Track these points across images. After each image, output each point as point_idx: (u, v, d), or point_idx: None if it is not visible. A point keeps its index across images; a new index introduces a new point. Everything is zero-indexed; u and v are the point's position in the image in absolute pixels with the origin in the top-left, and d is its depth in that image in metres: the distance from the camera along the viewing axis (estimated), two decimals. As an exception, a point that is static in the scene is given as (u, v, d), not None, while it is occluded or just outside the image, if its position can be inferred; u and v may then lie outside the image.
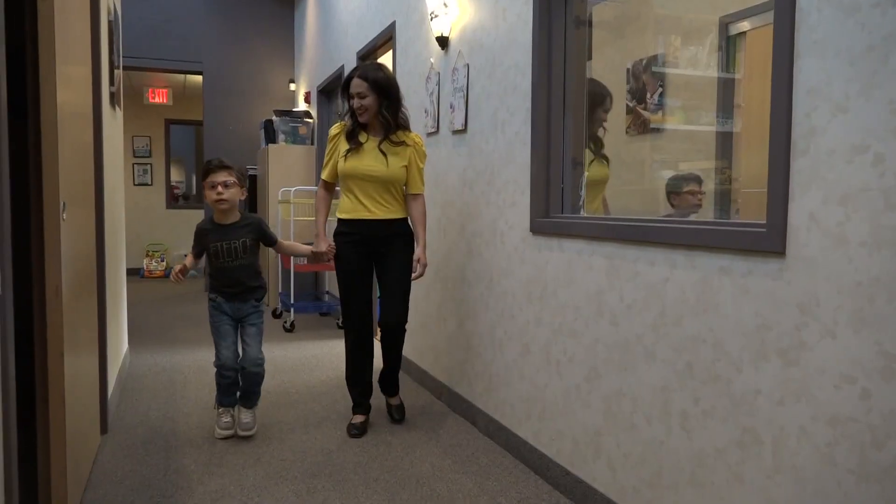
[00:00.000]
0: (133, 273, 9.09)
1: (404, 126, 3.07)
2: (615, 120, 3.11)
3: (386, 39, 4.55)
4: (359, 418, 3.17)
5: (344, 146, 3.06)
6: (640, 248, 2.10)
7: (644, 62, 3.09)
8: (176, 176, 10.42)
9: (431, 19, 3.50)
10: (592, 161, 2.78)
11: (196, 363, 4.47)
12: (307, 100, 7.26)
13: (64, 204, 2.14)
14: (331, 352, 4.85)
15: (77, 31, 2.54)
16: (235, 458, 2.83)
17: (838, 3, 1.44)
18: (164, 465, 2.75)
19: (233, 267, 2.97)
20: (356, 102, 2.99)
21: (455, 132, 3.45)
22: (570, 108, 2.65)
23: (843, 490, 1.45)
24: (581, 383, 2.41)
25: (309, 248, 3.13)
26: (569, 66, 2.65)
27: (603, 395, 2.28)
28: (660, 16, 3.36)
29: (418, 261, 3.09)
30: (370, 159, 3.02)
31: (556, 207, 2.67)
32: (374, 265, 3.14)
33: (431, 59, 3.73)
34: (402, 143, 3.04)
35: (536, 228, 2.69)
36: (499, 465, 2.78)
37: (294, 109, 7.35)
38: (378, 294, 4.10)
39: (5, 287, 1.47)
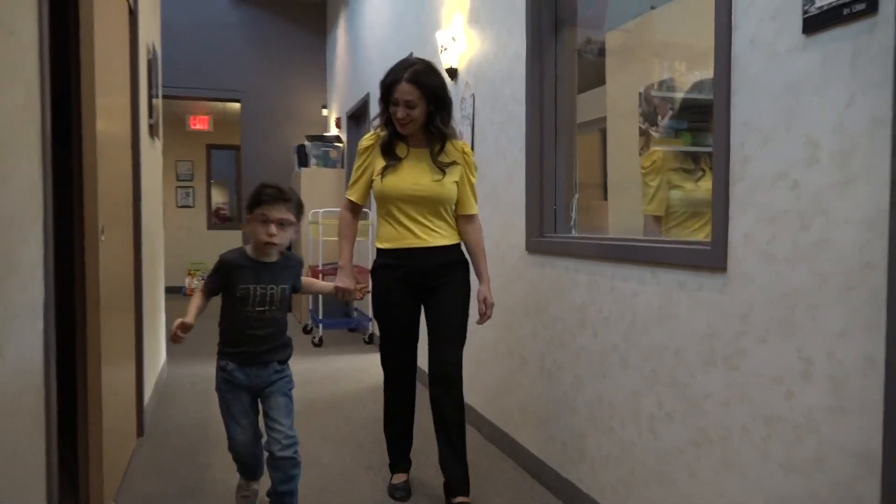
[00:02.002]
0: (175, 291, 9.51)
1: (453, 136, 2.57)
2: (630, 142, 3.28)
3: (405, 69, 4.83)
4: (401, 477, 2.72)
5: (380, 162, 2.52)
6: (616, 265, 2.28)
7: (654, 86, 3.28)
8: (221, 198, 10.89)
9: (441, 52, 3.76)
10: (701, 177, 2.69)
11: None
12: (338, 125, 7.60)
13: (102, 227, 2.43)
14: (357, 365, 5.10)
15: (117, 67, 2.85)
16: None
17: (763, 47, 1.63)
18: (194, 465, 3.01)
19: (262, 319, 2.28)
20: (401, 112, 2.41)
21: (464, 157, 3.68)
22: (561, 136, 2.86)
23: (775, 482, 1.61)
24: (567, 390, 2.59)
25: (330, 285, 2.56)
26: (560, 97, 2.86)
27: (586, 401, 2.46)
28: (669, 42, 3.55)
29: (484, 300, 2.54)
30: (415, 176, 2.49)
31: (549, 227, 2.86)
32: (422, 304, 2.60)
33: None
34: (452, 158, 2.54)
35: (531, 247, 2.89)
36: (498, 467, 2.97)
37: (326, 134, 7.69)
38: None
39: (48, 300, 1.74)
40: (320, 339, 5.85)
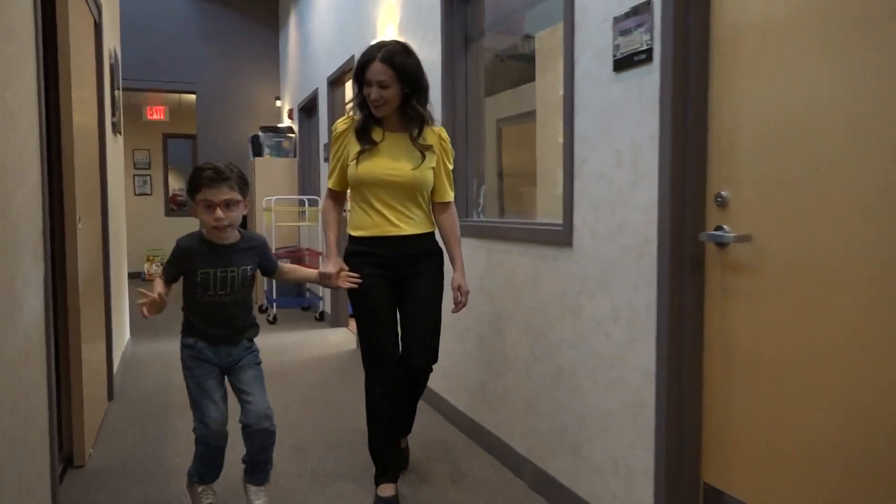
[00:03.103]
0: (135, 276, 9.82)
1: (430, 121, 2.51)
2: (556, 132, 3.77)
3: (348, 69, 5.30)
4: (388, 489, 2.50)
5: (354, 147, 2.45)
6: (504, 243, 2.84)
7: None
8: (177, 184, 11.19)
9: (375, 59, 4.24)
10: None
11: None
12: (290, 116, 8.01)
13: (80, 216, 2.89)
14: (307, 339, 5.61)
15: (85, 71, 3.26)
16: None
17: (592, 78, 2.18)
18: (157, 423, 3.50)
19: (224, 303, 2.22)
20: (374, 92, 2.35)
21: (396, 151, 4.19)
22: (471, 134, 3.39)
23: (599, 398, 2.19)
24: (473, 348, 3.15)
25: (314, 271, 2.49)
26: (469, 101, 3.39)
27: (485, 355, 3.02)
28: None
29: (458, 288, 2.50)
30: (390, 160, 2.42)
31: (461, 213, 3.40)
32: (396, 292, 2.52)
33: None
34: (430, 143, 2.48)
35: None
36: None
37: (279, 125, 8.10)
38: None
39: (46, 276, 2.20)
40: (274, 317, 6.33)
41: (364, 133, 2.45)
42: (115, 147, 4.55)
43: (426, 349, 2.48)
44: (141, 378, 4.37)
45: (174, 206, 11.02)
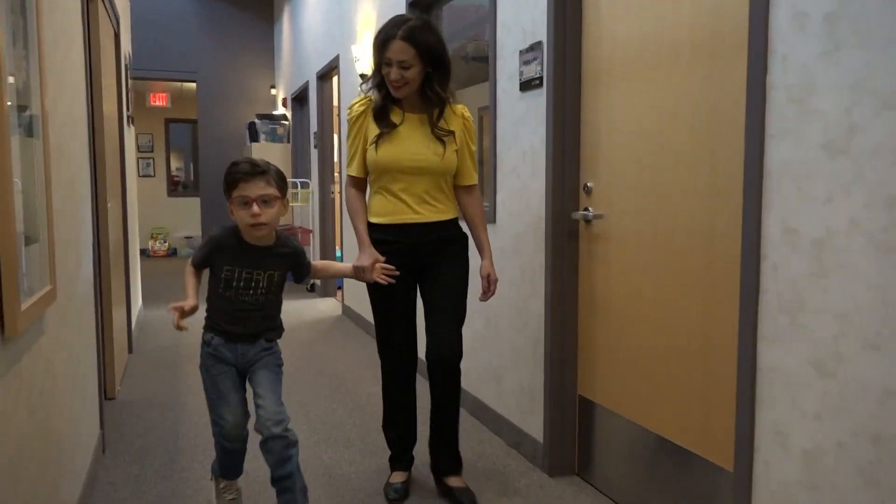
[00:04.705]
0: (140, 253, 10.53)
1: (452, 101, 2.35)
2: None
3: (334, 67, 5.94)
4: (400, 476, 2.49)
5: (373, 129, 2.31)
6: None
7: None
8: (176, 163, 11.85)
9: (355, 62, 4.90)
10: None
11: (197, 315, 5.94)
12: (284, 104, 8.65)
13: (109, 197, 3.56)
14: (297, 307, 6.32)
15: (108, 72, 3.91)
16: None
17: (508, 95, 2.85)
18: (170, 371, 4.20)
19: (248, 305, 2.10)
20: (395, 73, 2.20)
21: (373, 142, 4.86)
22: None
23: (506, 341, 2.88)
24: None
25: (348, 266, 2.32)
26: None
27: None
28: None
29: (487, 276, 2.39)
30: (413, 144, 2.29)
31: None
32: (417, 282, 2.42)
33: (359, 89, 5.12)
34: (451, 125, 2.33)
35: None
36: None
37: (274, 113, 8.74)
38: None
39: (94, 241, 2.88)
40: (270, 289, 7.02)
41: (382, 115, 2.31)
42: (129, 136, 5.21)
43: (454, 339, 2.36)
44: (153, 338, 5.08)
45: (172, 185, 11.71)
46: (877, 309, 1.37)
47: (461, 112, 2.37)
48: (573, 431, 2.62)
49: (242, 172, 1.99)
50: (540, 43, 2.57)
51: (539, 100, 2.60)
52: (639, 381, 2.26)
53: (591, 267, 2.49)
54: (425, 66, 2.22)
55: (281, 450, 2.02)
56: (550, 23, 2.49)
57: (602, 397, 2.47)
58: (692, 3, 1.95)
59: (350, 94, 5.43)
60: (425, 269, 2.37)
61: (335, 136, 6.59)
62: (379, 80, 2.29)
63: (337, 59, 5.76)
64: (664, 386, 2.14)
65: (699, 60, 1.94)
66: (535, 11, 2.60)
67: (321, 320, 5.66)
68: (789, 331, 1.57)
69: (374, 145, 2.29)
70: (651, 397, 2.21)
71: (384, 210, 2.34)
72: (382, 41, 2.21)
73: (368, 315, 4.97)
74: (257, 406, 2.07)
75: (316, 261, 2.40)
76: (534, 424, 2.74)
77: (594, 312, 2.49)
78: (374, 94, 2.34)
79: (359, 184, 2.42)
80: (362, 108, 2.34)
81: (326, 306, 6.38)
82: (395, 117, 2.31)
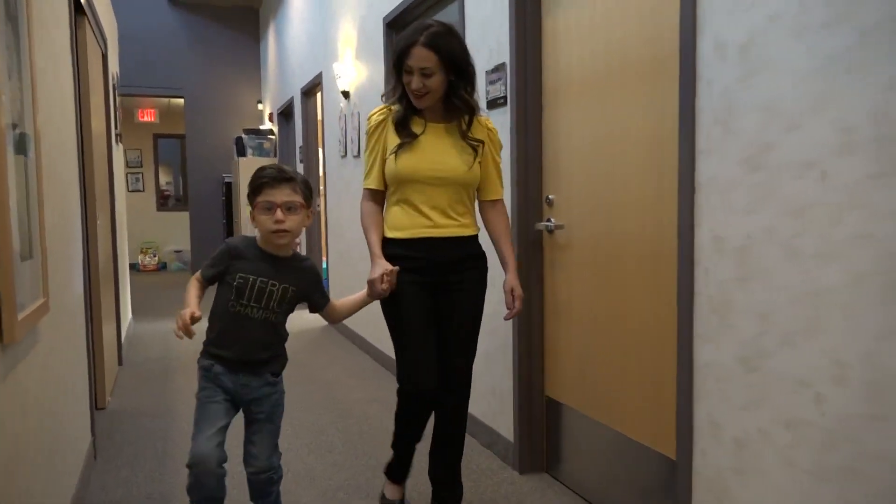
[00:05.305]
0: (130, 267, 10.62)
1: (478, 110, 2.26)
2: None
3: (317, 84, 6.11)
4: (395, 492, 2.43)
5: (393, 139, 2.20)
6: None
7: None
8: (165, 178, 11.97)
9: (337, 79, 5.06)
10: None
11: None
12: (271, 119, 8.80)
13: (98, 213, 3.69)
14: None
15: (96, 92, 4.05)
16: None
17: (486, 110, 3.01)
18: (158, 383, 4.32)
19: (254, 319, 1.99)
20: (416, 82, 2.10)
21: (355, 157, 5.01)
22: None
23: (480, 347, 3.03)
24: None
25: (363, 293, 2.22)
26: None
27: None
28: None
29: (511, 291, 2.30)
30: (435, 154, 2.20)
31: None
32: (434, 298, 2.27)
33: (341, 105, 5.29)
34: (478, 136, 2.24)
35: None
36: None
37: (260, 128, 8.89)
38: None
39: (84, 258, 3.01)
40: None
41: (403, 125, 2.20)
42: (118, 153, 5.35)
43: (467, 362, 2.30)
44: (142, 350, 5.20)
45: (161, 200, 11.82)
46: (789, 308, 1.53)
47: (485, 122, 2.29)
48: (542, 431, 2.77)
49: (268, 178, 1.95)
50: (504, 63, 2.73)
51: (504, 117, 2.76)
52: (597, 381, 2.41)
53: (555, 274, 2.64)
54: (447, 74, 2.12)
55: (263, 485, 2.05)
56: (513, 44, 2.66)
57: (567, 397, 2.62)
58: (637, 30, 2.12)
59: (333, 111, 5.59)
60: (443, 287, 2.25)
61: (320, 151, 6.74)
62: (400, 90, 2.18)
63: (320, 76, 5.93)
64: (619, 384, 2.30)
65: (644, 82, 2.10)
66: (500, 32, 2.77)
67: (308, 331, 5.79)
68: (719, 329, 1.73)
69: (393, 155, 2.19)
70: (609, 396, 2.36)
71: (403, 223, 2.22)
72: (403, 48, 2.10)
73: (355, 326, 5.11)
74: (248, 447, 2.03)
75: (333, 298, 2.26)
76: (504, 425, 2.88)
77: (558, 317, 2.64)
78: (394, 105, 2.23)
79: (376, 196, 2.29)
80: (381, 118, 2.24)
81: (314, 317, 6.48)
82: (417, 127, 2.20)
